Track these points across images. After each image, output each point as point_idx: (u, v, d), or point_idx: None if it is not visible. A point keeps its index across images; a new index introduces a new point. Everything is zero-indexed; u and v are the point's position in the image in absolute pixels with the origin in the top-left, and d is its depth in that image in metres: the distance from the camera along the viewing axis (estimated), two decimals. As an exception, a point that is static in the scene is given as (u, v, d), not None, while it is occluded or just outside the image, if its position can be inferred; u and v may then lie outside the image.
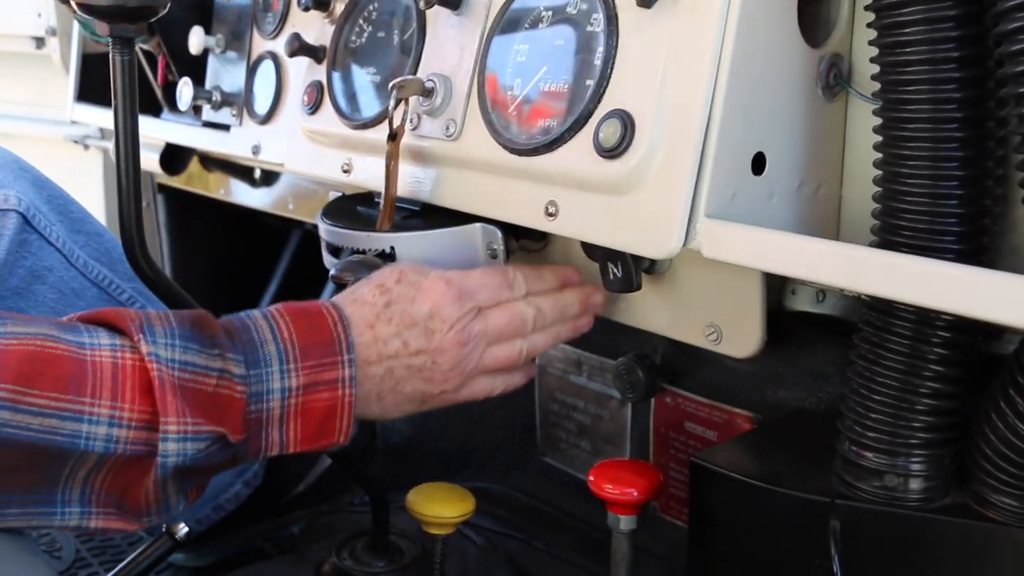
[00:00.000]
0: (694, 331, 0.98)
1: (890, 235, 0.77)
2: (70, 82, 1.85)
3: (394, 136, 0.99)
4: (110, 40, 0.91)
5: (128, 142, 0.93)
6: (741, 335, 0.95)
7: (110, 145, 2.01)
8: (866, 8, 0.79)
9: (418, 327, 0.92)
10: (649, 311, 1.01)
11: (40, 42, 2.03)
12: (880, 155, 0.80)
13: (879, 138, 0.80)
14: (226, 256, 2.06)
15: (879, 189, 0.80)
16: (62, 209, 1.33)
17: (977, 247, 0.75)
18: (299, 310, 0.92)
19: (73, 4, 0.87)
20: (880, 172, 0.80)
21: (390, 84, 0.99)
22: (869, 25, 0.79)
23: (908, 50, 0.74)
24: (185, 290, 1.03)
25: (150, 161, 1.72)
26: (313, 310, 0.92)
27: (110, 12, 0.87)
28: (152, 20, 0.91)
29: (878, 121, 0.80)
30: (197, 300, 1.02)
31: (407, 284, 0.95)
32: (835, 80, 0.87)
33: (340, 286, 1.03)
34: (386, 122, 1.03)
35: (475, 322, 0.95)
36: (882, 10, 0.76)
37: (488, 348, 0.96)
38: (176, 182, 1.81)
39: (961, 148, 0.74)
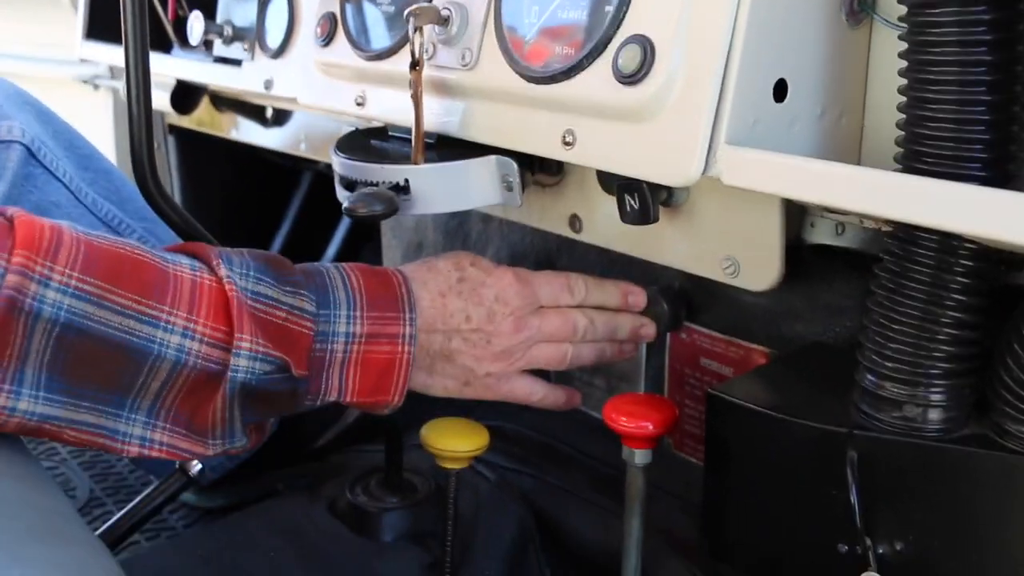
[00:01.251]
0: (711, 264, 0.97)
1: (914, 162, 0.76)
2: (79, 19, 1.83)
3: (416, 64, 0.98)
4: None
5: (139, 82, 0.93)
6: (759, 268, 0.94)
7: (120, 85, 1.99)
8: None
9: (483, 307, 0.99)
10: (666, 244, 1.00)
11: (49, -20, 2.01)
12: (905, 81, 0.78)
13: (903, 65, 0.78)
14: (238, 198, 2.05)
15: (903, 116, 0.78)
16: (69, 144, 1.32)
17: (1004, 174, 0.74)
18: (369, 269, 0.99)
19: None
20: (904, 99, 0.78)
21: (406, 12, 0.97)
22: (896, -53, 0.77)
23: None
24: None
25: (161, 100, 1.70)
26: (382, 271, 0.99)
27: None
28: None
29: (902, 48, 0.78)
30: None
31: (480, 268, 1.01)
32: (859, 6, 0.85)
33: (354, 219, 1.02)
34: (399, 53, 1.02)
35: (533, 316, 1.01)
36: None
37: (538, 344, 1.01)
38: (187, 123, 1.80)
39: (989, 72, 0.72)
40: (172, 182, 2.04)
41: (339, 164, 1.09)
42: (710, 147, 0.79)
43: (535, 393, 1.05)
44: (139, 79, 0.93)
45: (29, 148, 1.24)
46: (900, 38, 0.79)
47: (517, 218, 1.16)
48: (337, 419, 1.55)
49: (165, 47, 1.55)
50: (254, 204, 2.06)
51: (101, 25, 1.77)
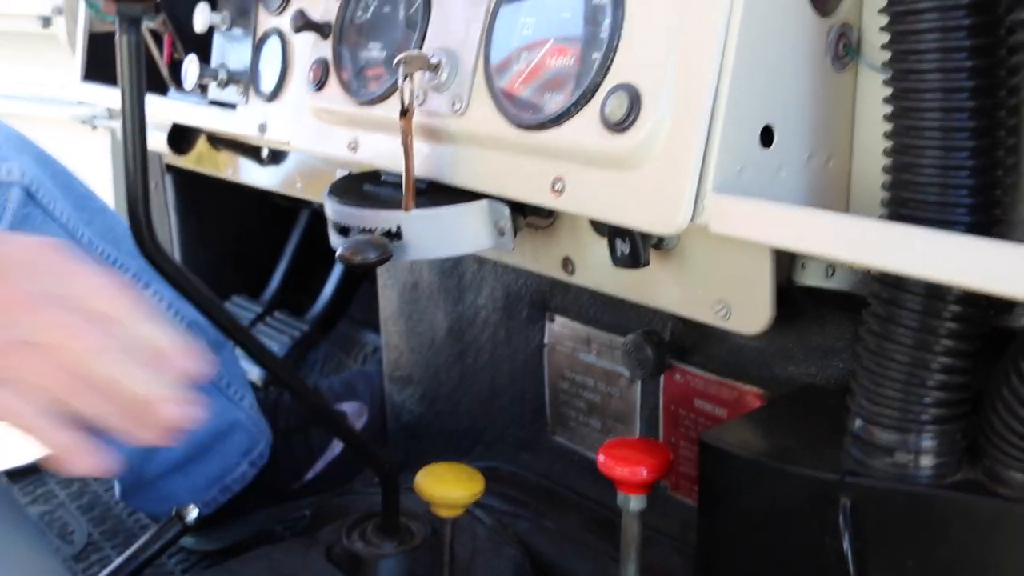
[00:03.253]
0: (703, 307, 0.97)
1: (900, 208, 0.76)
2: (76, 61, 1.84)
3: (406, 112, 0.98)
4: (116, 19, 0.90)
5: (135, 124, 0.93)
6: (750, 311, 0.94)
7: (117, 125, 2.00)
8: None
9: None
10: (657, 287, 1.00)
11: (46, 21, 2.02)
12: (890, 126, 0.78)
13: (889, 109, 0.78)
14: (235, 236, 2.06)
15: (889, 160, 0.78)
16: (66, 185, 1.33)
17: (989, 219, 0.74)
18: None
19: None
20: (890, 143, 0.78)
21: (395, 59, 0.98)
22: (879, -7, 0.78)
23: (918, 17, 0.73)
24: (195, 271, 1.03)
25: (158, 141, 1.71)
26: None
27: None
28: None
29: (888, 91, 0.78)
30: (207, 281, 1.02)
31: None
32: (844, 50, 0.86)
33: (348, 266, 1.02)
34: (391, 99, 1.03)
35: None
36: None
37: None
38: (184, 163, 1.81)
39: (972, 118, 0.72)
40: (170, 220, 2.05)
41: (332, 210, 1.09)
42: (697, 195, 0.79)
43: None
44: (135, 127, 0.92)
45: (28, 189, 1.25)
46: (885, 83, 0.79)
47: (510, 261, 1.16)
48: (324, 450, 1.55)
49: (161, 89, 1.56)
50: (252, 242, 2.06)
51: (98, 67, 1.78)
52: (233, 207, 2.02)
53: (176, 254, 2.05)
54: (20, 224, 1.23)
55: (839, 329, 1.00)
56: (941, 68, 0.73)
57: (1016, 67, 0.69)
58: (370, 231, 1.05)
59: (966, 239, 0.65)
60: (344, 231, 1.08)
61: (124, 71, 0.90)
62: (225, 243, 2.05)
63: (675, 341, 1.13)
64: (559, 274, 1.10)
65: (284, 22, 1.28)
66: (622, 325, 1.19)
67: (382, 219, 1.03)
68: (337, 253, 1.03)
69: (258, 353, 1.10)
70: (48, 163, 1.34)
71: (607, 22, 0.85)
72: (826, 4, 0.86)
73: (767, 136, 0.82)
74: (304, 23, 1.14)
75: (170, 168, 1.99)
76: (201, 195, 2.02)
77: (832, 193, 0.89)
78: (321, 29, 1.15)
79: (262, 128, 1.32)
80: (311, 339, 1.90)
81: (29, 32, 2.09)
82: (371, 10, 1.11)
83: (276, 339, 1.89)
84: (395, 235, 1.03)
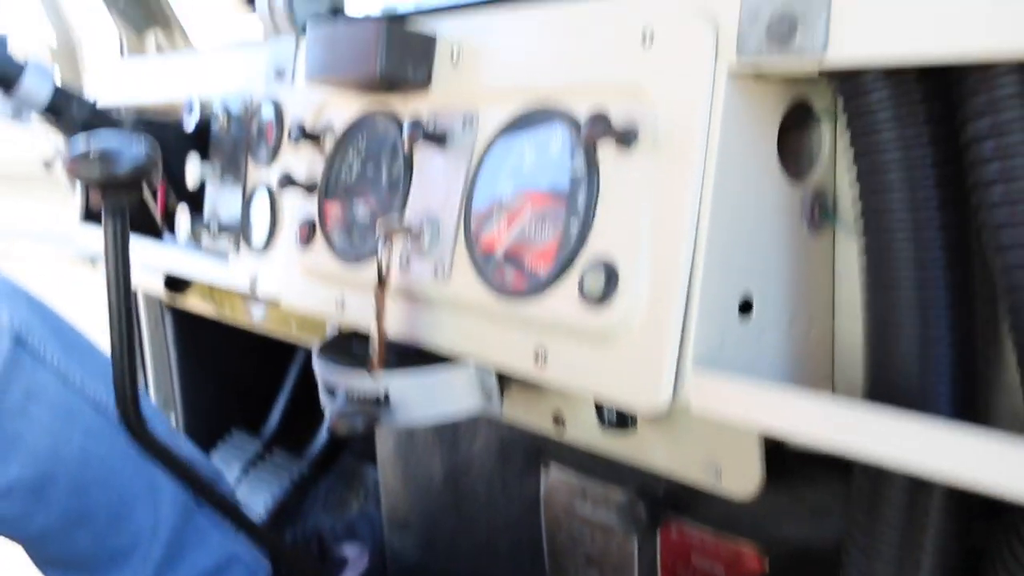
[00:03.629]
0: (693, 469, 0.95)
1: (880, 388, 0.75)
2: (76, 203, 1.87)
3: (382, 280, 0.98)
4: (103, 208, 0.90)
5: (121, 309, 0.93)
6: (740, 473, 0.92)
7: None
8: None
9: None
10: (647, 448, 0.99)
11: (49, 165, 2.05)
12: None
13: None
14: (235, 371, 2.05)
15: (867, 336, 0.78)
16: (57, 328, 1.33)
17: (972, 407, 0.73)
18: None
19: (66, 172, 0.87)
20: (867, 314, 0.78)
21: (377, 223, 0.98)
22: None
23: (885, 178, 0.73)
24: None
25: (155, 283, 1.72)
26: None
27: (102, 183, 0.87)
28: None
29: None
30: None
31: None
32: (820, 214, 0.86)
33: (336, 436, 1.02)
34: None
35: None
36: (860, 155, 0.75)
37: None
38: (182, 302, 1.81)
39: (949, 310, 0.72)
40: (170, 356, 2.05)
41: (321, 373, 1.09)
42: (677, 371, 0.78)
43: None
44: (120, 311, 0.93)
45: (17, 335, 1.25)
46: (861, 253, 0.79)
47: (501, 416, 1.15)
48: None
49: (157, 234, 1.57)
50: (251, 377, 2.06)
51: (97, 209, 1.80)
52: (232, 342, 2.02)
53: (176, 391, 2.04)
54: (10, 370, 1.24)
55: (832, 488, 0.98)
56: (914, 246, 0.72)
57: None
58: (357, 397, 1.04)
59: (954, 429, 0.63)
60: (333, 393, 1.08)
61: (110, 260, 0.91)
62: (225, 378, 2.05)
63: (670, 496, 1.11)
64: (550, 430, 1.09)
65: (273, 175, 1.29)
66: (618, 475, 1.17)
67: (368, 385, 1.03)
68: (327, 422, 1.03)
69: (236, 518, 1.08)
70: (39, 308, 1.35)
71: (582, 195, 0.85)
72: (800, 167, 0.86)
73: (746, 306, 0.82)
74: (290, 183, 1.15)
75: (170, 305, 1.99)
76: (200, 331, 2.02)
77: (816, 356, 0.88)
78: (307, 187, 1.16)
79: (253, 282, 1.32)
80: (311, 479, 1.88)
81: (33, 175, 2.12)
82: (355, 170, 1.12)
83: (276, 478, 1.87)
84: (383, 401, 1.03)
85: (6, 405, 1.22)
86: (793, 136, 0.85)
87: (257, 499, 1.86)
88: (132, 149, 0.86)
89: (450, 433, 1.39)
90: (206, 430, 2.04)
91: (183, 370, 2.04)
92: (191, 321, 2.00)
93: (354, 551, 1.62)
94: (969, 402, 0.72)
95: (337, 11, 1.32)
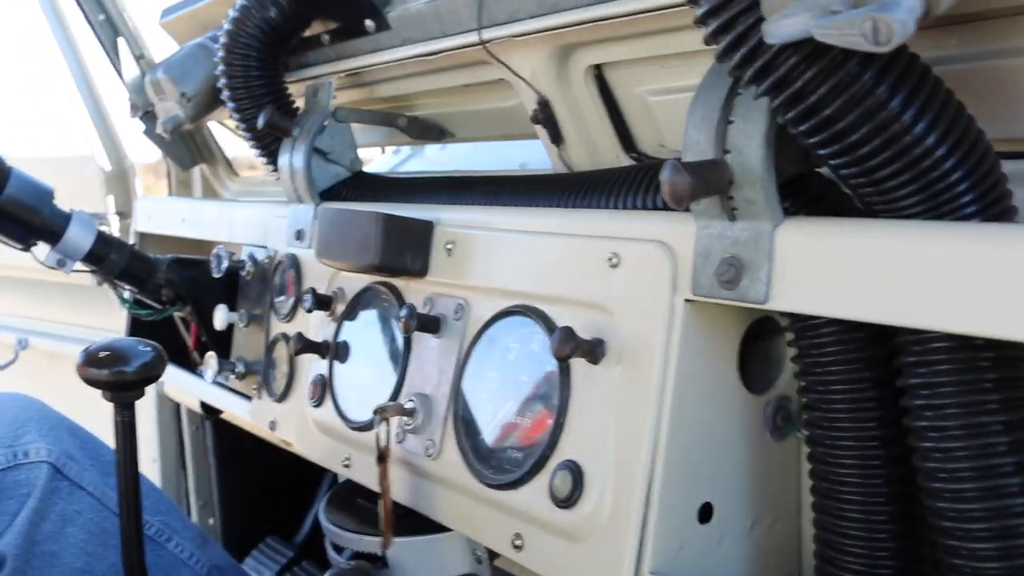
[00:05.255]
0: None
1: None
2: (123, 321, 1.97)
3: (382, 457, 1.04)
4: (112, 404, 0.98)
5: (129, 489, 1.00)
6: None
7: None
8: (795, 375, 0.83)
9: None
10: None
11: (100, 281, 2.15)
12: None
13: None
14: (270, 479, 2.12)
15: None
16: (94, 454, 1.40)
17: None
18: None
19: (78, 373, 0.95)
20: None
21: (373, 409, 1.04)
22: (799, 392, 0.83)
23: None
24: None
25: (193, 402, 1.81)
26: None
27: (111, 384, 0.95)
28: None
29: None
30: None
31: None
32: (783, 422, 0.90)
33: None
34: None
35: None
36: (808, 390, 0.80)
37: None
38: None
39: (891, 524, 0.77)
40: (210, 463, 2.12)
41: (325, 527, 1.15)
42: (636, 574, 0.83)
43: None
44: (129, 499, 0.99)
45: (55, 465, 1.33)
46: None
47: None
48: None
49: (192, 366, 1.66)
50: (286, 485, 2.12)
51: (141, 327, 1.89)
52: (268, 451, 2.09)
53: (215, 496, 2.12)
54: (48, 496, 1.31)
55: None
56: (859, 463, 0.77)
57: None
58: (358, 554, 1.11)
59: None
60: (338, 548, 1.15)
61: (120, 448, 0.98)
62: (261, 485, 2.12)
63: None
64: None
65: (293, 328, 1.36)
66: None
67: (366, 544, 1.09)
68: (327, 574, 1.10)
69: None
70: (77, 433, 1.42)
71: (555, 400, 0.90)
72: (767, 376, 0.90)
73: (706, 512, 0.86)
74: (303, 347, 1.22)
75: (209, 414, 2.08)
76: (238, 440, 2.09)
77: (779, 551, 0.92)
78: (319, 349, 1.23)
79: (272, 425, 1.39)
80: (335, 596, 1.93)
81: (85, 286, 2.22)
82: (361, 339, 1.19)
83: (304, 591, 1.93)
84: (380, 558, 1.09)
85: (44, 529, 1.30)
86: (761, 344, 0.90)
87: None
88: (139, 350, 0.94)
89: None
90: (242, 534, 2.11)
91: (222, 477, 2.12)
92: (229, 430, 2.08)
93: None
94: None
95: (358, 175, 1.40)
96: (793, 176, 0.79)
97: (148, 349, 0.95)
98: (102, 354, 0.93)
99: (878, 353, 0.77)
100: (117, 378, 0.94)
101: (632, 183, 0.97)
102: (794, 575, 0.93)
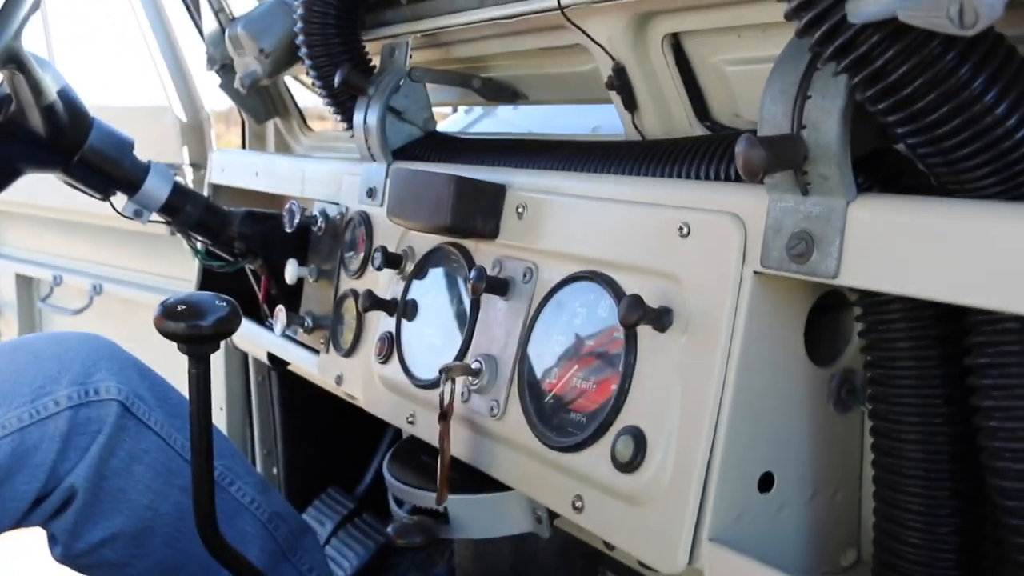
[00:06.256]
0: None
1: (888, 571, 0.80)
2: (195, 271, 2.01)
3: (445, 416, 1.07)
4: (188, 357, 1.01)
5: (202, 440, 1.03)
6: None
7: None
8: (861, 350, 0.83)
9: None
10: None
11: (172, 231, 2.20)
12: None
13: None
14: (334, 431, 2.16)
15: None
16: (162, 396, 1.45)
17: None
18: None
19: (155, 325, 0.98)
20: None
21: (439, 368, 1.07)
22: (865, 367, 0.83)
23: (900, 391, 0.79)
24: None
25: (261, 353, 1.85)
26: None
27: (187, 338, 0.98)
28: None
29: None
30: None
31: None
32: (847, 395, 0.91)
33: (395, 547, 1.11)
34: (443, 387, 1.11)
35: None
36: (874, 365, 0.80)
37: None
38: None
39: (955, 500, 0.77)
40: (274, 413, 2.17)
41: (389, 482, 1.18)
42: (694, 541, 0.84)
43: None
44: (201, 444, 1.03)
45: (124, 403, 1.38)
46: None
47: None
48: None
49: (261, 318, 1.69)
50: (350, 439, 2.16)
51: (213, 278, 1.93)
52: (332, 403, 2.13)
53: (279, 446, 2.17)
54: (116, 434, 1.36)
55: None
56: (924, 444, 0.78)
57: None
58: (419, 508, 1.14)
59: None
60: (400, 502, 1.17)
61: (193, 400, 1.01)
62: (324, 437, 2.16)
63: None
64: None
65: (362, 285, 1.39)
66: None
67: (429, 500, 1.12)
68: (388, 532, 1.12)
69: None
70: (146, 375, 1.46)
71: (620, 367, 0.92)
72: (832, 350, 0.91)
73: (767, 481, 0.87)
74: (371, 303, 1.25)
75: (274, 364, 2.12)
76: (304, 392, 2.13)
77: (839, 523, 0.93)
78: (387, 307, 1.25)
79: (339, 379, 1.42)
80: (393, 547, 1.97)
81: (161, 235, 2.27)
82: (429, 298, 1.21)
83: (361, 543, 1.98)
84: (442, 515, 1.12)
85: (112, 465, 1.35)
86: (830, 317, 0.91)
87: (344, 559, 1.96)
88: (215, 305, 0.97)
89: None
90: (305, 485, 2.16)
91: (286, 427, 2.16)
92: (295, 382, 2.12)
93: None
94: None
95: (431, 135, 1.42)
96: (868, 152, 0.79)
97: (224, 304, 0.98)
98: (179, 307, 0.96)
99: (946, 331, 0.77)
100: (193, 332, 0.97)
101: (705, 153, 0.97)
102: (853, 546, 0.94)
